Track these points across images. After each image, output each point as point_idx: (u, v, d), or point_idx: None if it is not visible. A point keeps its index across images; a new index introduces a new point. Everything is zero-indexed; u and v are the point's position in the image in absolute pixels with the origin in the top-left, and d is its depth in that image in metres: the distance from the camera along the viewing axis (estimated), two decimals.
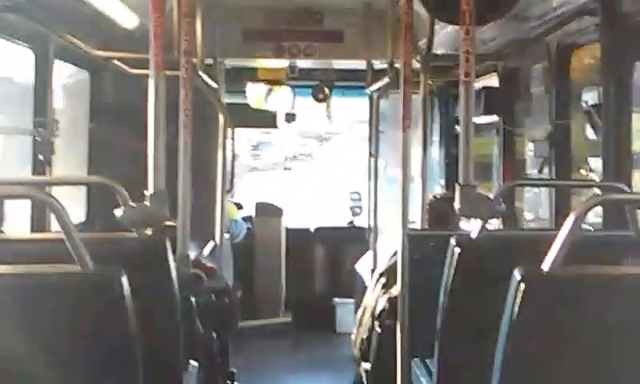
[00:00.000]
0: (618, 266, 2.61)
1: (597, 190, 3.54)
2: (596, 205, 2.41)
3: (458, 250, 3.11)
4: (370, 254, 6.33)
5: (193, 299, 3.85)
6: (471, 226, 3.30)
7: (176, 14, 4.34)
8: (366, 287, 5.92)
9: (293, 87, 8.00)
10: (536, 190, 6.67)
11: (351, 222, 9.51)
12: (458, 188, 3.24)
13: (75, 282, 2.22)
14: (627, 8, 3.97)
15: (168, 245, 3.09)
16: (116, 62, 5.61)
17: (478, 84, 6.49)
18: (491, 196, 3.30)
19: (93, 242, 2.35)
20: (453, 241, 3.14)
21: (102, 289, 2.23)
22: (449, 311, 3.12)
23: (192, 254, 6.22)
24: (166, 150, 3.46)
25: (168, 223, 3.63)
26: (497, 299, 2.34)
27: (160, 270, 3.02)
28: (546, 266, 2.24)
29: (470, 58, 3.20)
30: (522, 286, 2.21)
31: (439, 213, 4.87)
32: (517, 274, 2.24)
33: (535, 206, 6.84)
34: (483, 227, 3.18)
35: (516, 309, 2.23)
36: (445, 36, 5.40)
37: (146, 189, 3.22)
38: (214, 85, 5.80)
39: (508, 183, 5.76)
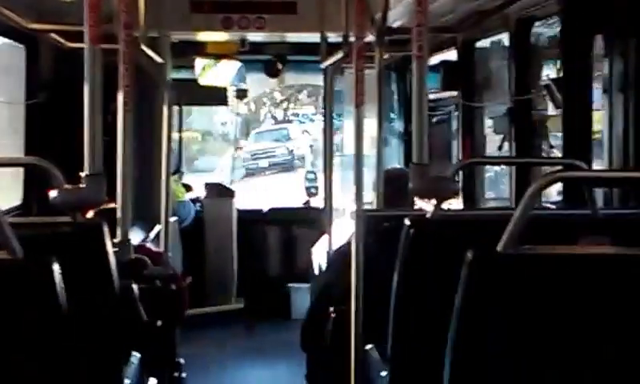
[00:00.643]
0: (574, 245, 2.65)
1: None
2: (550, 183, 2.43)
3: (411, 231, 3.12)
4: (325, 237, 6.34)
5: (135, 286, 3.82)
6: (427, 206, 3.32)
7: None
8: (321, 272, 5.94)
9: (244, 62, 7.95)
10: (498, 167, 6.73)
11: (306, 203, 9.52)
12: (411, 167, 3.26)
13: (2, 269, 2.18)
14: None
15: (105, 229, 3.06)
16: (53, 35, 5.52)
17: (437, 58, 6.52)
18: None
19: (24, 227, 2.31)
20: (407, 221, 3.16)
21: (31, 277, 2.19)
22: (402, 296, 3.13)
23: (137, 239, 6.18)
24: (107, 130, 3.42)
25: (110, 206, 3.60)
26: (451, 282, 2.36)
27: (96, 255, 2.99)
28: (500, 246, 2.25)
29: (422, 32, 3.21)
30: (475, 267, 2.23)
31: (394, 189, 4.88)
32: (469, 255, 2.25)
33: (497, 184, 6.91)
34: (438, 207, 3.20)
35: (469, 291, 2.25)
36: (401, 8, 5.41)
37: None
38: (159, 59, 5.74)
39: (463, 161, 5.80)
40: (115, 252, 3.22)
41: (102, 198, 3.17)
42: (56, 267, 2.20)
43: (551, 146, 5.49)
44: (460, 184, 5.79)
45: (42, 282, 2.19)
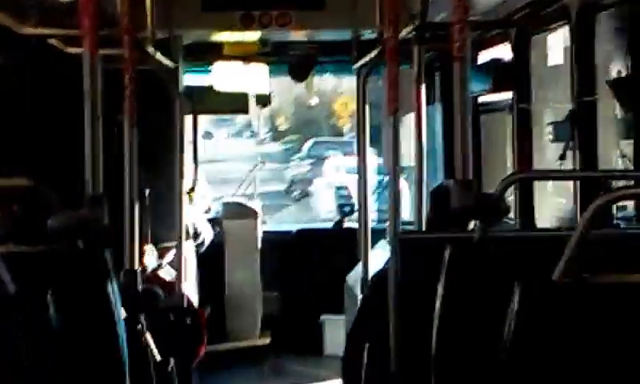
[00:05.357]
0: None
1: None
2: (613, 201, 2.43)
3: (453, 256, 3.14)
4: (360, 262, 6.36)
5: (144, 321, 3.87)
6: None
7: None
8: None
9: (266, 64, 8.00)
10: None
11: (339, 223, 9.54)
12: (452, 183, 3.26)
13: None
14: None
15: (108, 256, 3.10)
16: (51, 40, 5.58)
17: (487, 55, 6.53)
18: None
19: (16, 258, 2.36)
20: (448, 245, 3.17)
21: (24, 313, 2.24)
22: (444, 329, 3.15)
23: (150, 264, 6.24)
24: (114, 144, 3.48)
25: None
26: (499, 314, 2.37)
27: (97, 287, 3.03)
28: (555, 274, 2.26)
29: (464, 29, 3.22)
30: (525, 298, 2.24)
31: (440, 209, 4.88)
32: (519, 285, 2.26)
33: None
34: (484, 229, 3.20)
35: (519, 326, 2.26)
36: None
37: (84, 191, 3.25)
38: (170, 64, 5.81)
39: (512, 176, 5.73)
40: (122, 282, 3.27)
41: (103, 223, 3.22)
42: (50, 302, 2.24)
43: (623, 156, 5.46)
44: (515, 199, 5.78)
45: (36, 318, 2.23)
